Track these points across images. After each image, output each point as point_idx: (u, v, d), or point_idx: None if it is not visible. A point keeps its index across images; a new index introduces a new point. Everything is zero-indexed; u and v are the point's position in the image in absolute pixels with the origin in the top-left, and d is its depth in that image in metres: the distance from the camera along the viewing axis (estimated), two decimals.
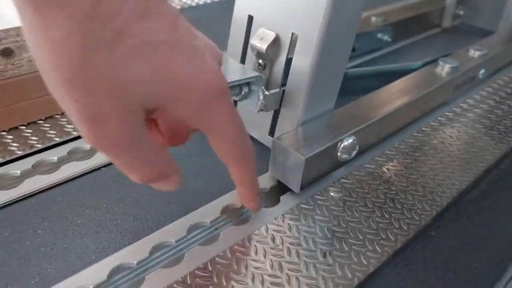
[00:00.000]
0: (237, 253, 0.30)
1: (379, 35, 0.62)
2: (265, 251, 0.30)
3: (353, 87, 0.46)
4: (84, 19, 0.18)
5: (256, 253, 0.30)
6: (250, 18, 0.39)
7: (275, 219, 0.33)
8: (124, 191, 0.36)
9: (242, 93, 0.36)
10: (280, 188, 0.37)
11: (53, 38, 0.19)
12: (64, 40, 0.19)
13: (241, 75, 0.35)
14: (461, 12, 0.73)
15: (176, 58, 0.22)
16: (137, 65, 0.20)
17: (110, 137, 0.21)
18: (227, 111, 0.25)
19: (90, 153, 0.39)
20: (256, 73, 0.36)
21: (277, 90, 0.37)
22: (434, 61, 0.50)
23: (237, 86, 0.35)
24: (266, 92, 0.36)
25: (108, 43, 0.19)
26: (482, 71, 0.53)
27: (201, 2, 0.78)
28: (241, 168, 0.29)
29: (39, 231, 0.32)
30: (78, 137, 0.41)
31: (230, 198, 0.35)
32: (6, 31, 0.38)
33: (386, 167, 0.40)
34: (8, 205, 0.34)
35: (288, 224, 0.33)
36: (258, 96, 0.36)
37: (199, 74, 0.23)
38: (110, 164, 0.39)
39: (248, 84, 0.36)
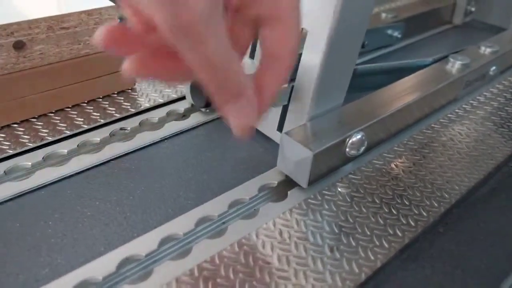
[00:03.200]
0: (245, 247, 0.30)
1: (389, 31, 0.62)
2: (272, 245, 0.31)
3: (363, 83, 0.46)
4: None
5: (263, 247, 0.30)
6: None
7: (282, 214, 0.33)
8: (133, 184, 0.36)
9: None
10: (288, 183, 0.37)
11: None
12: None
13: (250, 72, 0.35)
14: (473, 9, 0.73)
15: None
16: None
17: (192, 11, 0.19)
18: None
19: (100, 146, 0.40)
20: None
21: (286, 85, 0.37)
22: (444, 58, 0.49)
23: None
24: None
25: None
26: (493, 68, 0.53)
27: None
28: (288, 66, 0.25)
29: (50, 222, 0.32)
30: (88, 130, 0.41)
31: (238, 193, 0.35)
32: (18, 24, 0.38)
33: (395, 163, 0.39)
34: (19, 196, 0.34)
35: (296, 218, 0.33)
36: None
37: None
38: (119, 157, 0.39)
39: None
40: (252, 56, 0.41)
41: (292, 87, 0.38)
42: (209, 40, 0.20)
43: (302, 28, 0.35)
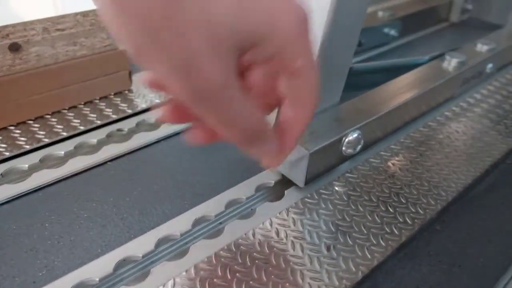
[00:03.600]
0: (241, 247, 0.30)
1: (386, 30, 0.62)
2: (269, 245, 0.31)
3: (359, 82, 0.46)
4: None
5: (260, 246, 0.30)
6: None
7: (279, 213, 0.33)
8: (130, 186, 0.36)
9: None
10: (285, 183, 0.37)
11: None
12: None
13: None
14: (470, 7, 0.73)
15: None
16: None
17: (207, 82, 0.19)
18: (311, 46, 0.24)
19: (96, 148, 0.40)
20: None
21: None
22: (441, 56, 0.49)
23: None
24: None
25: None
26: (490, 65, 0.53)
27: None
28: (309, 114, 0.26)
29: (47, 224, 0.32)
30: (85, 132, 0.41)
31: (235, 193, 0.35)
32: (13, 26, 0.38)
33: (391, 161, 0.40)
34: (16, 198, 0.34)
35: (293, 218, 0.33)
36: None
37: (288, 2, 0.22)
38: (116, 158, 0.39)
39: None
40: None
41: None
42: (225, 104, 0.21)
43: None
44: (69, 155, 0.39)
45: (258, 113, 0.23)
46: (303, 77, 0.24)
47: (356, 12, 0.36)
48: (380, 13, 0.63)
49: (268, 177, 0.37)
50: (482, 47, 0.53)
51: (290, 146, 0.27)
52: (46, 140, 0.40)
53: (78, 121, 0.42)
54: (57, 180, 0.36)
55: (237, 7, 0.20)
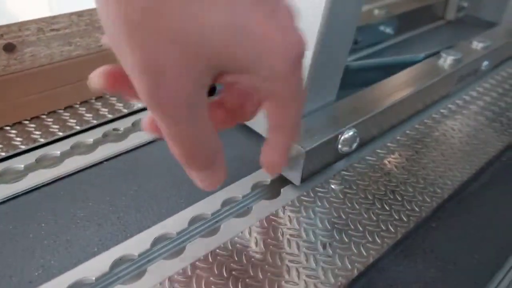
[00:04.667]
0: (238, 245, 0.30)
1: (382, 28, 0.62)
2: (265, 243, 0.31)
3: (355, 80, 0.46)
4: None
5: (256, 244, 0.31)
6: None
7: (275, 211, 0.33)
8: (126, 185, 0.36)
9: None
10: (281, 181, 0.37)
11: None
12: None
13: None
14: (465, 4, 0.73)
15: (259, 7, 0.18)
16: (214, 14, 0.17)
17: (174, 95, 0.18)
18: (301, 78, 0.22)
19: (92, 148, 0.40)
20: None
21: None
22: (436, 53, 0.50)
23: None
24: None
25: None
26: (486, 63, 0.53)
27: None
28: (290, 137, 0.25)
29: (43, 224, 0.32)
30: (81, 132, 0.41)
31: (231, 191, 0.35)
32: (8, 26, 0.38)
33: (387, 159, 0.40)
34: (12, 198, 0.34)
35: (289, 216, 0.33)
36: None
37: (285, 32, 0.19)
38: (112, 158, 0.39)
39: None
40: None
41: None
42: (186, 123, 0.20)
43: None
44: (65, 155, 0.39)
45: (214, 141, 0.22)
46: (287, 107, 0.23)
47: (351, 10, 0.36)
48: (376, 11, 0.63)
49: (265, 176, 0.37)
50: (477, 45, 0.53)
51: (277, 163, 0.26)
52: (42, 140, 0.40)
53: (74, 121, 0.42)
54: (53, 180, 0.36)
55: (229, 28, 0.18)
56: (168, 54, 0.17)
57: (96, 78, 0.23)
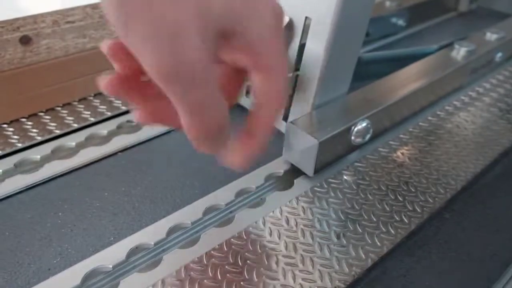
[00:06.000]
0: (252, 235, 0.31)
1: (394, 20, 0.62)
2: (279, 233, 0.31)
3: (367, 72, 0.46)
4: None
5: (270, 234, 0.31)
6: None
7: (289, 202, 0.34)
8: (141, 175, 0.37)
9: None
10: (294, 172, 0.37)
11: None
12: None
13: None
14: None
15: None
16: None
17: (189, 58, 0.19)
18: (283, 43, 0.24)
19: (107, 139, 0.40)
20: None
21: (290, 75, 0.37)
22: (449, 45, 0.49)
23: None
24: None
25: None
26: (499, 54, 0.52)
27: None
28: (276, 109, 0.26)
29: (60, 213, 0.33)
30: (95, 123, 0.42)
31: (245, 182, 0.36)
32: (24, 19, 0.38)
33: (400, 151, 0.40)
34: (30, 188, 0.35)
35: (302, 206, 0.33)
36: None
37: None
38: (127, 149, 0.39)
39: None
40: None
41: (297, 76, 0.38)
42: (200, 86, 0.20)
43: (306, 17, 0.35)
44: (80, 146, 0.39)
45: (225, 108, 0.23)
46: (271, 75, 0.24)
47: (364, 2, 0.36)
48: (388, 3, 0.63)
49: (278, 167, 0.38)
50: (491, 36, 0.52)
51: (259, 141, 0.26)
52: (57, 132, 0.40)
53: (89, 112, 0.43)
54: (69, 170, 0.37)
55: None
56: (188, 17, 0.18)
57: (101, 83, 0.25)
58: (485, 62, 0.50)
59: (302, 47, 0.37)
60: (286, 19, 0.36)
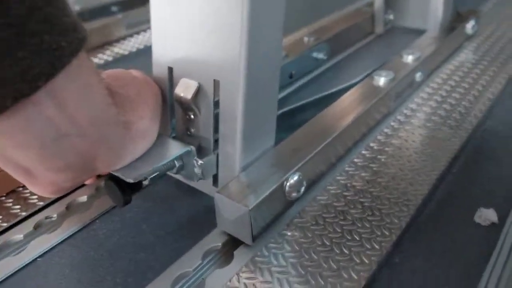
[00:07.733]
0: None
1: (315, 54, 0.62)
2: None
3: (293, 122, 0.45)
4: None
5: None
6: (170, 70, 0.37)
7: (230, 281, 0.31)
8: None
9: (177, 166, 0.35)
10: (233, 242, 0.34)
11: None
12: None
13: (170, 152, 0.34)
14: (391, 17, 0.74)
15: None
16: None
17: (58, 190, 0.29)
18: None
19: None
20: (185, 147, 0.35)
21: (210, 156, 0.36)
22: (369, 75, 0.49)
23: (170, 162, 0.34)
24: (200, 161, 0.35)
25: None
26: (419, 73, 0.53)
27: (134, 50, 0.76)
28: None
29: None
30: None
31: (180, 266, 0.33)
32: None
33: (339, 195, 0.38)
34: None
35: (244, 283, 0.30)
36: (193, 166, 0.35)
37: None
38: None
39: (180, 157, 0.35)
40: (172, 115, 0.39)
41: (217, 155, 0.36)
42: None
43: (214, 80, 0.34)
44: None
45: None
46: None
47: (270, 54, 0.35)
48: (306, 39, 0.62)
49: (215, 240, 0.35)
50: (407, 58, 0.53)
51: None
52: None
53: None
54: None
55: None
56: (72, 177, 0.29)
57: None
58: (406, 85, 0.50)
59: (216, 108, 0.35)
60: (193, 86, 0.35)
